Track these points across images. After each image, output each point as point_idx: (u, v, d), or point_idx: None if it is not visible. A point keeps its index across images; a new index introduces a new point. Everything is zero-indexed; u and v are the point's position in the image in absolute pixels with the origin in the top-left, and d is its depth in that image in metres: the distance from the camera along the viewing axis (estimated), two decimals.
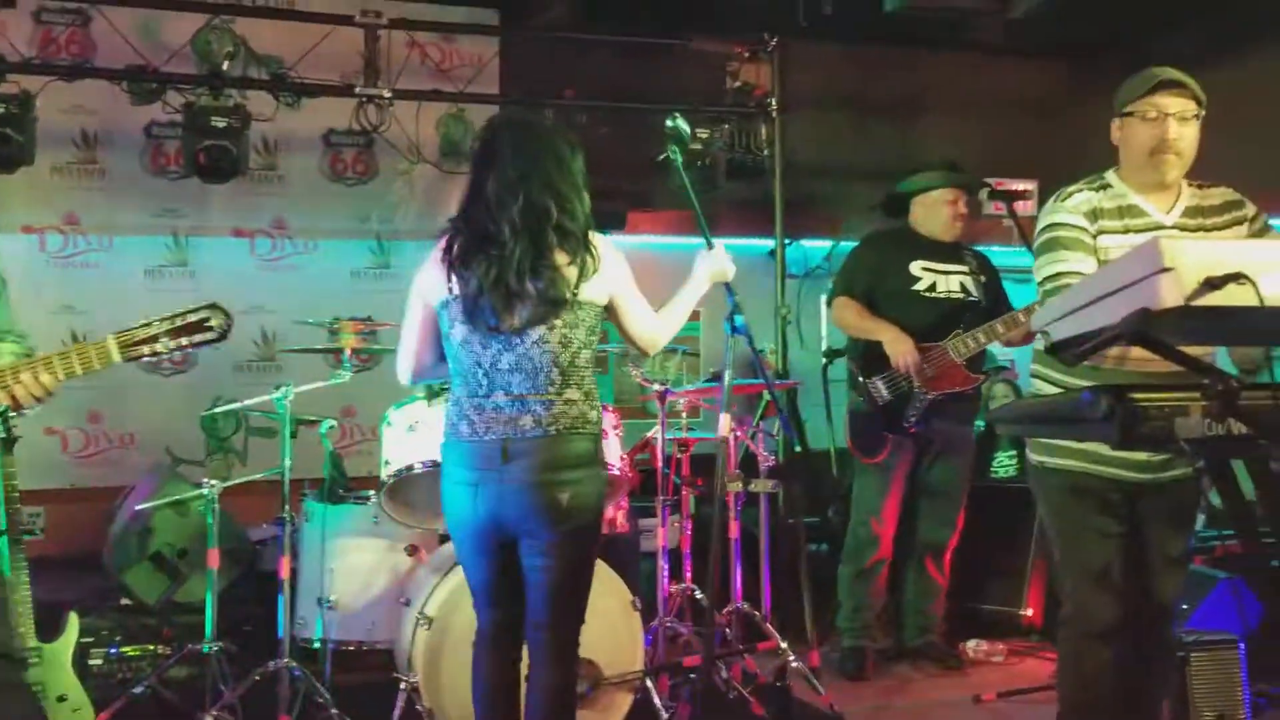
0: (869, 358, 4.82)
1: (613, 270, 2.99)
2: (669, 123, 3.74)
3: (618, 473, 4.28)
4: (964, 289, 4.86)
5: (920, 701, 4.58)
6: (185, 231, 6.35)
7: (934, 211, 4.93)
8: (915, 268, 4.85)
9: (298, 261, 6.55)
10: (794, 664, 4.26)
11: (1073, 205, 3.03)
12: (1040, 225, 3.10)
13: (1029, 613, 5.23)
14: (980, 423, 6.14)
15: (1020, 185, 6.55)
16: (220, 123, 5.29)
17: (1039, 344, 3.12)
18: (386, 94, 5.67)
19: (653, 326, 3.16)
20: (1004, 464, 5.97)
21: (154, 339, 2.73)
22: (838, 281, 5.08)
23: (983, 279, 4.92)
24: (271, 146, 6.43)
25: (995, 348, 5.47)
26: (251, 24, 6.03)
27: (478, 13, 6.56)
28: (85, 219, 6.14)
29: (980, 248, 5.25)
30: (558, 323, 2.89)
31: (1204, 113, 2.99)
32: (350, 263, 6.60)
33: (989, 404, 5.91)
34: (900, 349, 4.67)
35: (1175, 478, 3.00)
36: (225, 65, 5.55)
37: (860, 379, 4.83)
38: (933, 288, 4.84)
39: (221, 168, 5.39)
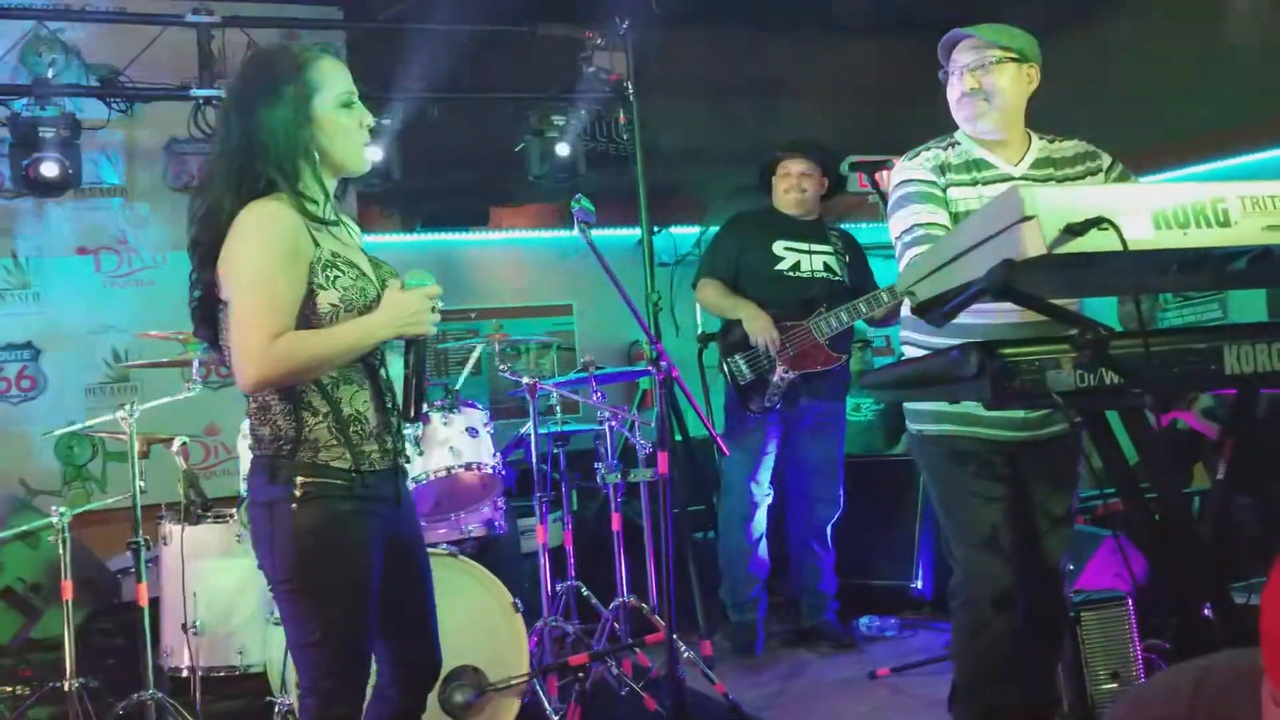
0: (730, 338, 4.84)
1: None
2: (574, 205, 3.68)
3: (489, 472, 4.19)
4: (828, 268, 4.89)
5: (817, 682, 4.55)
6: (26, 253, 6.04)
7: (779, 185, 4.97)
8: (778, 247, 4.87)
9: (147, 276, 6.26)
10: (686, 654, 4.18)
11: (920, 161, 3.05)
12: (892, 185, 3.11)
13: (919, 585, 5.25)
14: (853, 399, 6.21)
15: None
16: (48, 133, 5.00)
17: (905, 309, 3.12)
18: (223, 94, 5.42)
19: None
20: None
21: None
22: (702, 263, 5.10)
23: (847, 259, 4.94)
24: (111, 158, 6.15)
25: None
26: (81, 32, 5.74)
27: (319, 10, 6.36)
28: None
29: (847, 225, 5.28)
30: None
31: (1020, 58, 2.99)
32: None
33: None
34: (757, 326, 4.69)
35: (1053, 434, 3.00)
36: (51, 74, 5.25)
37: (723, 359, 4.85)
38: (796, 267, 4.85)
39: (54, 182, 5.10)
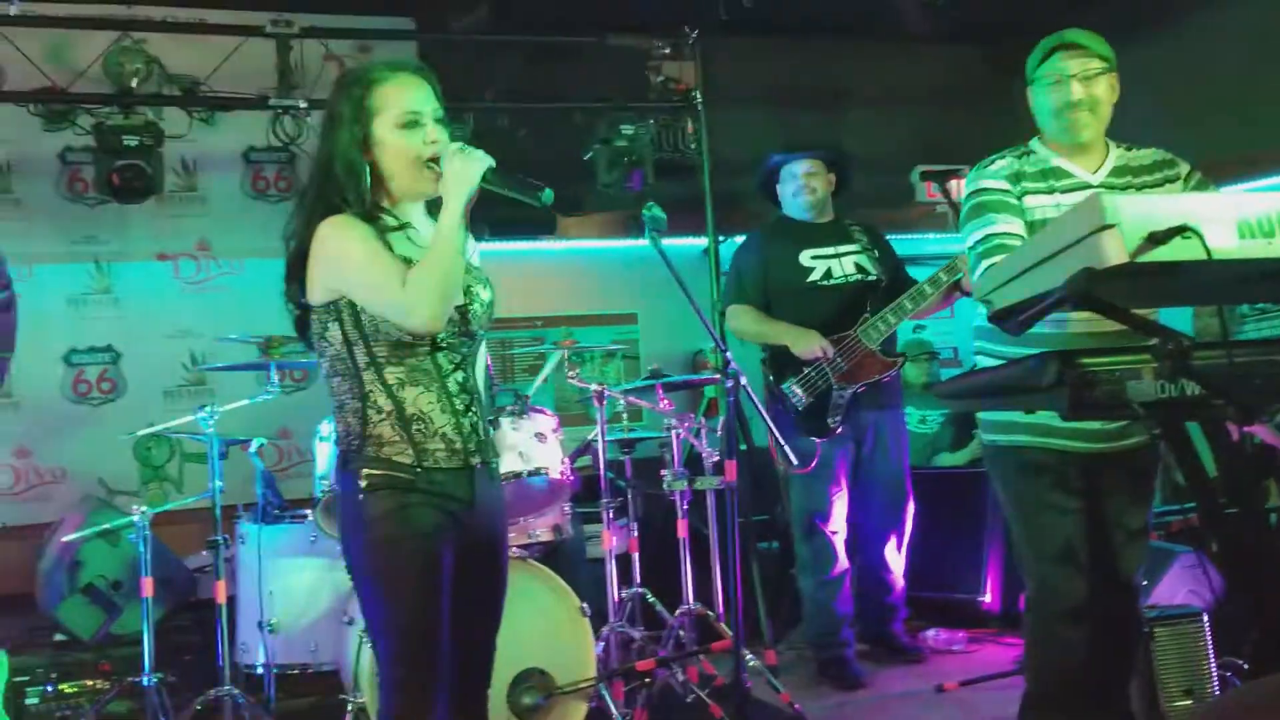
0: (779, 363, 4.66)
1: None
2: (644, 212, 3.66)
3: (558, 477, 4.22)
4: (860, 269, 4.72)
5: (883, 694, 4.52)
6: (107, 258, 6.20)
7: (785, 190, 4.84)
8: (804, 258, 4.70)
9: (224, 283, 6.40)
10: (751, 663, 4.18)
11: (994, 170, 3.04)
12: (965, 194, 3.10)
13: (987, 599, 5.19)
14: (910, 409, 6.15)
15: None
16: (132, 141, 5.16)
17: (977, 319, 3.10)
18: (302, 104, 5.55)
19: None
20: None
21: None
22: (727, 289, 4.87)
23: (877, 254, 4.77)
24: (190, 167, 6.30)
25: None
26: (163, 43, 5.89)
27: (392, 21, 6.47)
28: (3, 250, 5.93)
29: (915, 235, 5.20)
30: None
31: (1111, 69, 3.00)
32: (277, 281, 6.42)
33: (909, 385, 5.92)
34: (806, 344, 4.54)
35: (1131, 446, 2.96)
36: (136, 84, 5.40)
37: (776, 388, 4.67)
38: (828, 275, 4.69)
39: (136, 187, 5.25)
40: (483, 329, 2.62)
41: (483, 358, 2.81)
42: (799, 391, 4.62)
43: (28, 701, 4.31)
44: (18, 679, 3.91)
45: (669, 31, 6.17)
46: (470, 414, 2.54)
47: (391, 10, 6.43)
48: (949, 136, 7.29)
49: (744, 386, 3.66)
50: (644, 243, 3.75)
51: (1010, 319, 2.17)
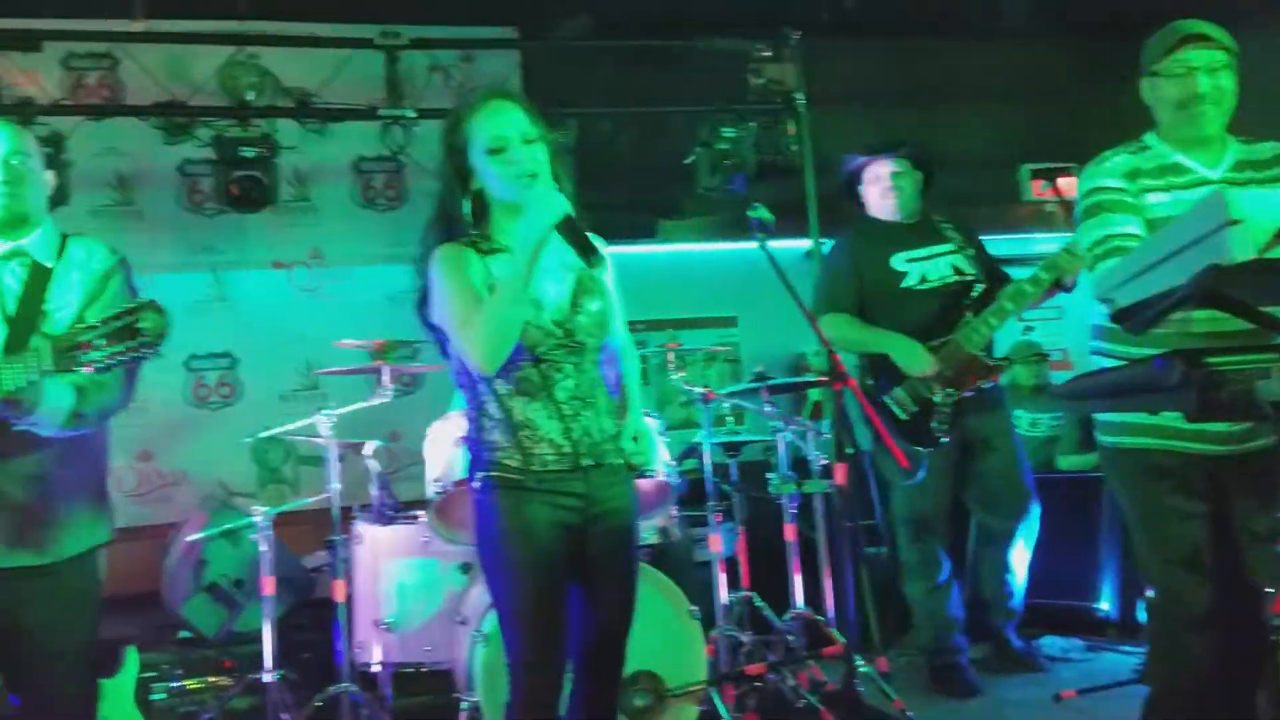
0: (880, 371, 4.54)
1: None
2: (751, 214, 3.64)
3: (664, 480, 4.23)
4: (957, 270, 4.57)
5: (998, 702, 4.44)
6: (224, 267, 6.39)
7: (870, 192, 4.73)
8: (897, 262, 4.56)
9: (334, 290, 6.56)
10: (863, 669, 4.14)
11: (1110, 168, 2.96)
12: (1080, 192, 3.03)
13: (1105, 606, 5.08)
14: (1020, 412, 6.03)
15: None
16: (249, 152, 5.33)
17: (1094, 318, 3.05)
18: (411, 113, 5.67)
19: None
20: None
21: (87, 347, 2.40)
22: (819, 298, 4.71)
23: (972, 252, 4.63)
24: (303, 177, 6.47)
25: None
26: (276, 57, 6.05)
27: (495, 31, 6.57)
28: (126, 259, 6.15)
29: (1023, 235, 5.08)
30: None
31: (1235, 61, 2.92)
32: (386, 288, 6.58)
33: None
34: (913, 363, 4.42)
35: (1259, 448, 2.86)
36: (251, 96, 5.57)
37: (878, 396, 4.53)
38: (923, 279, 4.55)
39: (253, 198, 5.43)
40: (593, 337, 2.76)
41: (634, 360, 2.98)
42: (903, 400, 4.50)
43: (154, 697, 4.46)
44: (145, 675, 4.03)
45: (769, 33, 6.16)
46: (582, 419, 2.71)
47: (494, 20, 6.53)
48: (1053, 133, 7.17)
49: (853, 390, 3.63)
50: (744, 245, 3.75)
51: (1132, 318, 2.13)
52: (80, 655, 2.85)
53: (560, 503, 2.68)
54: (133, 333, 2.39)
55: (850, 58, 7.02)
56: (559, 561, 2.69)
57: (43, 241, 2.78)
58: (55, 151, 5.12)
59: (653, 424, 4.18)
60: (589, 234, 2.71)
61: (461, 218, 2.72)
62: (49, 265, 2.75)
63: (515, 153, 2.65)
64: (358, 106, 5.80)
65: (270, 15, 6.00)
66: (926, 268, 4.58)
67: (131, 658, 3.85)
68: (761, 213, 3.58)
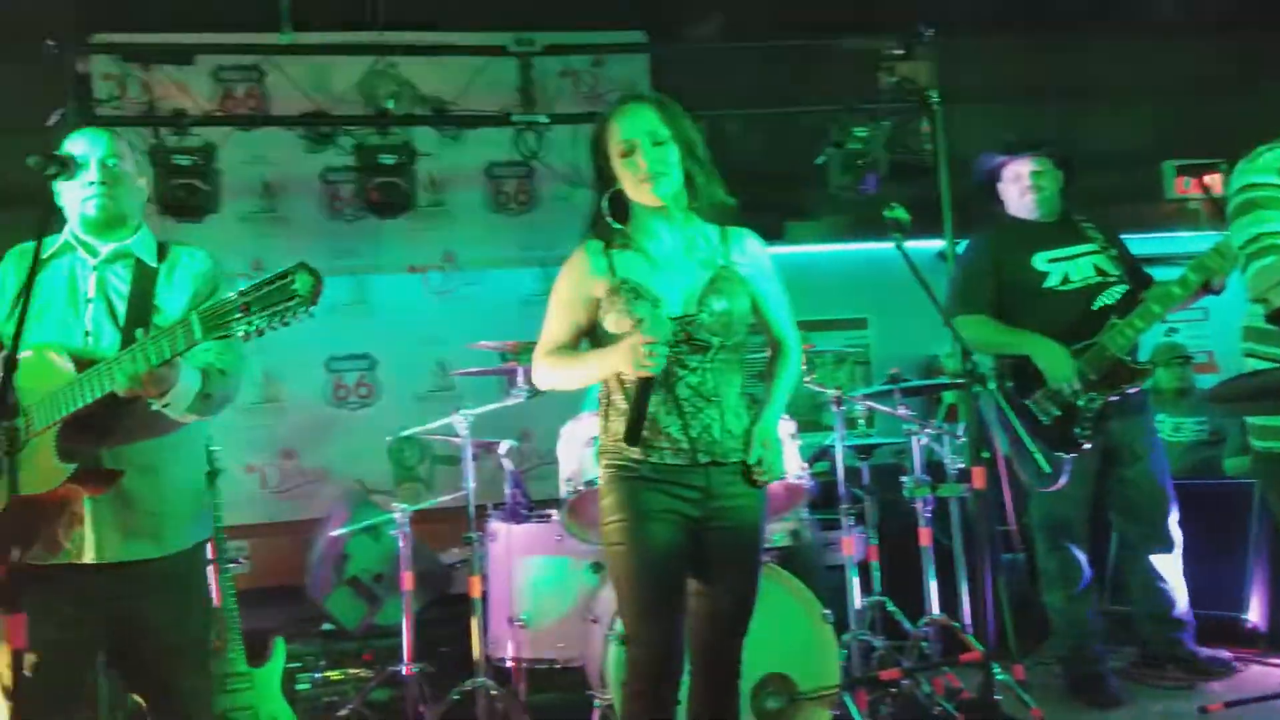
0: (1022, 374, 4.40)
1: None
2: (887, 213, 3.59)
3: (796, 482, 4.22)
4: (1100, 271, 4.43)
5: (1142, 713, 4.31)
6: (363, 271, 6.57)
7: (1010, 190, 4.61)
8: (1038, 262, 4.44)
9: (467, 293, 6.69)
10: (1000, 677, 4.05)
11: (1264, 164, 2.88)
12: (1233, 189, 2.94)
13: (1253, 618, 4.88)
14: (1163, 416, 5.82)
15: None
16: (388, 159, 5.47)
17: (1245, 319, 2.94)
18: (544, 119, 5.75)
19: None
20: None
21: (239, 309, 2.37)
22: (954, 298, 4.58)
23: (1115, 252, 4.48)
24: (438, 183, 6.61)
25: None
26: (413, 66, 6.21)
27: (626, 35, 6.62)
28: (271, 264, 6.36)
29: (1165, 233, 4.91)
30: None
31: None
32: (517, 290, 6.70)
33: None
34: (1057, 366, 4.28)
35: None
36: (390, 105, 5.72)
37: (1018, 400, 4.39)
38: (1065, 280, 4.42)
39: (392, 203, 5.57)
40: (718, 337, 2.81)
41: (790, 363, 3.06)
42: (1045, 404, 4.37)
43: (299, 687, 4.61)
44: (290, 665, 4.18)
45: (903, 31, 6.09)
46: (703, 416, 2.78)
47: (625, 25, 6.59)
48: (1198, 129, 6.93)
49: (991, 393, 3.56)
50: (874, 246, 3.71)
51: None
52: (197, 647, 2.92)
53: (679, 493, 2.78)
54: (287, 295, 2.35)
55: (987, 54, 6.90)
56: (675, 548, 2.78)
57: (143, 243, 2.86)
58: (207, 161, 5.34)
59: (789, 426, 4.18)
60: (740, 229, 2.89)
61: (601, 215, 2.85)
62: (154, 265, 2.83)
63: (642, 155, 2.75)
64: (492, 113, 5.91)
65: (408, 26, 6.15)
66: (1069, 268, 4.46)
67: (279, 648, 4.01)
68: (898, 213, 3.53)
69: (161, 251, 2.88)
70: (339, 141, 5.90)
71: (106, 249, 2.83)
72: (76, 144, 2.82)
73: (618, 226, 2.85)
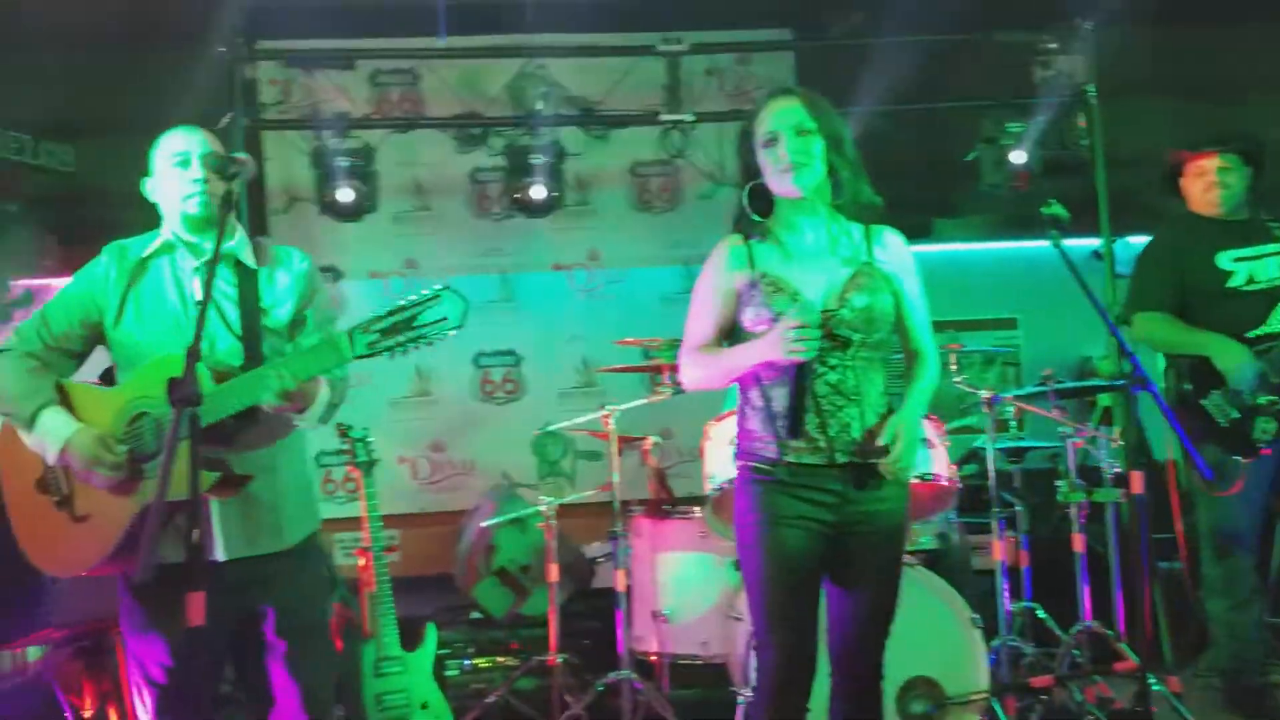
0: (1199, 375, 4.24)
1: None
2: (1045, 210, 3.50)
3: (944, 484, 4.16)
4: None
5: None
6: (510, 269, 6.70)
7: (1191, 186, 4.43)
8: (1223, 260, 4.28)
9: (611, 291, 6.76)
10: (1155, 688, 3.93)
11: None
12: None
13: None
14: None
15: None
16: (537, 159, 5.56)
17: None
18: (689, 118, 5.78)
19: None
20: None
21: (388, 331, 2.47)
22: (1134, 295, 4.47)
23: None
24: (584, 182, 6.69)
25: None
26: (562, 67, 6.30)
27: (772, 33, 6.61)
28: (423, 263, 6.58)
29: None
30: None
31: None
32: (660, 289, 6.74)
33: None
34: (1239, 367, 4.12)
35: None
36: (539, 106, 5.83)
37: (1195, 401, 4.23)
38: (1251, 279, 4.26)
39: (541, 203, 5.67)
40: (858, 333, 2.73)
41: (929, 366, 2.91)
42: (1224, 406, 4.20)
43: (448, 673, 4.74)
44: (440, 651, 4.30)
45: (1059, 24, 5.93)
46: (842, 415, 2.72)
47: (770, 23, 6.57)
48: None
49: (1154, 395, 3.44)
50: (1024, 244, 3.61)
51: None
52: (321, 636, 2.99)
53: (813, 497, 2.72)
54: (436, 317, 2.45)
55: (1146, 46, 6.66)
56: (807, 554, 2.73)
57: (242, 244, 2.87)
58: (365, 163, 5.52)
59: (937, 428, 4.11)
60: (883, 226, 2.85)
61: (743, 209, 2.84)
62: (254, 268, 2.86)
63: (784, 145, 2.73)
64: (638, 112, 5.97)
65: (557, 28, 6.24)
66: (1255, 268, 4.31)
67: (431, 633, 4.13)
68: (1056, 209, 3.44)
69: (258, 252, 2.89)
70: (489, 142, 6.02)
71: (207, 247, 2.80)
72: (175, 141, 2.82)
73: (758, 220, 2.83)
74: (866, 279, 2.78)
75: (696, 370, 2.88)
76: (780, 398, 2.72)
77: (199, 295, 2.73)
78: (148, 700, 2.82)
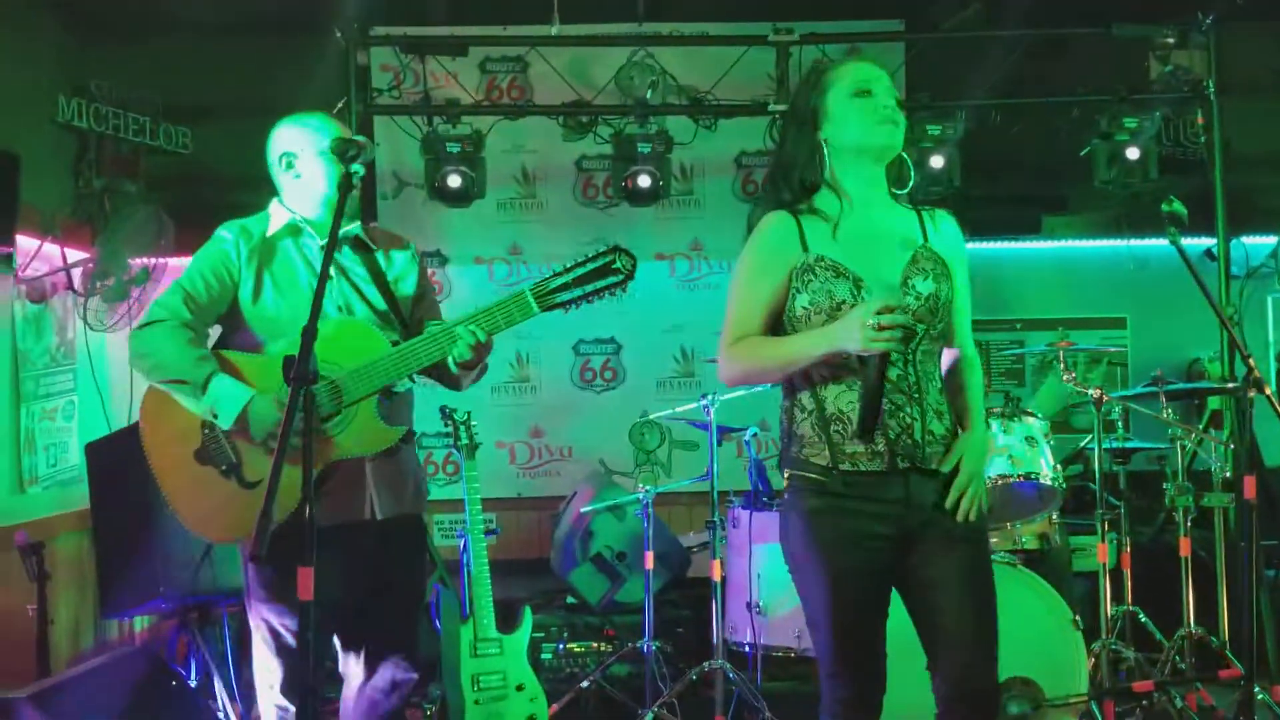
0: None
1: None
2: (1164, 207, 3.42)
3: (1048, 484, 4.11)
4: None
5: None
6: None
7: None
8: None
9: (713, 281, 6.76)
10: (1259, 697, 3.85)
11: None
12: None
13: None
14: None
15: None
16: (645, 148, 5.59)
17: None
18: None
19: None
20: None
21: (566, 286, 2.77)
22: None
23: None
24: (688, 171, 6.71)
25: None
26: (670, 56, 6.31)
27: (882, 24, 6.54)
28: (527, 249, 6.65)
29: None
30: None
31: None
32: None
33: None
34: None
35: None
36: (648, 94, 5.86)
37: None
38: None
39: (647, 192, 5.71)
40: (922, 323, 2.47)
41: (979, 371, 2.67)
42: None
43: (542, 656, 4.82)
44: (535, 635, 4.37)
45: (1178, 18, 5.78)
46: (904, 414, 2.46)
47: (882, 14, 6.51)
48: None
49: (1269, 398, 3.36)
50: (1136, 243, 3.53)
51: None
52: (420, 606, 3.25)
53: (872, 510, 2.46)
54: (609, 272, 2.74)
55: (1268, 43, 6.46)
56: (872, 580, 2.49)
57: (357, 227, 3.05)
58: (475, 149, 5.61)
59: (1038, 424, 4.06)
60: (940, 209, 2.64)
61: (798, 178, 2.58)
62: (373, 247, 3.05)
63: (884, 98, 2.53)
64: (746, 102, 5.96)
65: (666, 17, 6.26)
66: None
67: (527, 616, 4.19)
68: (1175, 207, 3.36)
69: (370, 235, 3.09)
70: (597, 131, 6.07)
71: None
72: (336, 134, 2.94)
73: (822, 180, 2.56)
74: (928, 263, 2.55)
75: (744, 364, 2.55)
76: (837, 398, 2.46)
77: (330, 271, 2.82)
78: (277, 669, 2.93)
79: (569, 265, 2.77)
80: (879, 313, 2.32)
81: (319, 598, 2.28)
